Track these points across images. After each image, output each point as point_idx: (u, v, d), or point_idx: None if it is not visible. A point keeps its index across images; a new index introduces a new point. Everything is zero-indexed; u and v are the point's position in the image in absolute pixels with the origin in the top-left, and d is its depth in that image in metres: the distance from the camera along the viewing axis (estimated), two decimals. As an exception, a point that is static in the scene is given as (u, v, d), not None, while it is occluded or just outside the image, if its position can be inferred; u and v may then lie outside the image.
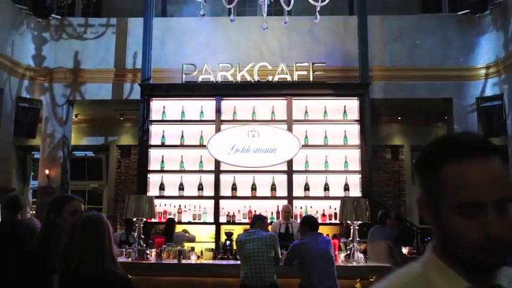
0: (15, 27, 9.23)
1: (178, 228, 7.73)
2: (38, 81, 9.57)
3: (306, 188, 8.13)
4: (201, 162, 8.29)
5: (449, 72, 9.13)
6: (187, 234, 7.69)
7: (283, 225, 7.05)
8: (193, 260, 5.71)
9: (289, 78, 8.37)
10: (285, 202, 8.04)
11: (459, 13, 9.45)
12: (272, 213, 7.99)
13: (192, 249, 6.13)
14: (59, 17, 9.85)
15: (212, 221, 8.11)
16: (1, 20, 8.86)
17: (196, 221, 8.12)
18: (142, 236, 5.91)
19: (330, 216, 7.94)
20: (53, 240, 2.56)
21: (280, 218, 7.40)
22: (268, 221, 5.74)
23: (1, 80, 8.86)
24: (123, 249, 5.78)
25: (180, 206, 8.16)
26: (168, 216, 7.90)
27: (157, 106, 8.56)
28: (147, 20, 8.85)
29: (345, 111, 8.34)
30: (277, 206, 8.06)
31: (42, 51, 9.57)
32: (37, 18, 9.46)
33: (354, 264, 5.45)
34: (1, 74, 8.85)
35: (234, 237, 5.90)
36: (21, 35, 9.39)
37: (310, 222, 5.14)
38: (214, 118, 8.40)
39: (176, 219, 7.91)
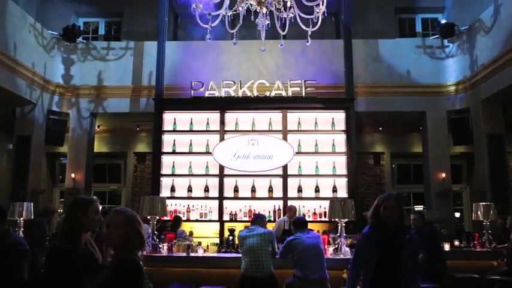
0: (47, 50, 9.28)
1: (187, 226, 7.66)
2: (66, 96, 9.57)
3: (299, 190, 8.08)
4: (207, 167, 8.24)
5: (423, 89, 9.14)
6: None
7: (287, 223, 6.94)
8: (200, 253, 5.65)
9: (284, 93, 8.35)
10: (281, 202, 8.00)
11: (431, 38, 9.49)
12: (269, 212, 7.93)
13: (199, 243, 6.07)
14: (84, 41, 9.89)
15: (217, 218, 8.05)
16: (35, 45, 8.93)
17: (203, 219, 8.06)
18: (156, 232, 5.87)
19: (320, 214, 7.88)
20: (75, 235, 2.54)
21: (286, 216, 7.24)
22: (266, 219, 5.67)
23: (35, 96, 8.90)
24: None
25: (188, 205, 8.10)
26: (177, 215, 7.83)
27: (169, 118, 8.53)
28: (161, 43, 8.87)
29: (333, 123, 8.31)
30: (274, 206, 8.03)
31: (70, 71, 9.58)
32: (66, 42, 9.51)
33: (341, 256, 5.40)
34: (35, 90, 8.89)
35: (236, 233, 5.84)
36: (52, 57, 9.42)
37: (299, 222, 5.14)
38: (218, 129, 8.36)
39: (185, 218, 7.86)
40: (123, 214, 2.32)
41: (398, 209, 3.13)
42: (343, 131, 8.27)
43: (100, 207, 2.72)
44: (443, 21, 9.19)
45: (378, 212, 3.19)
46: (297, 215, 7.03)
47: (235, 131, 8.37)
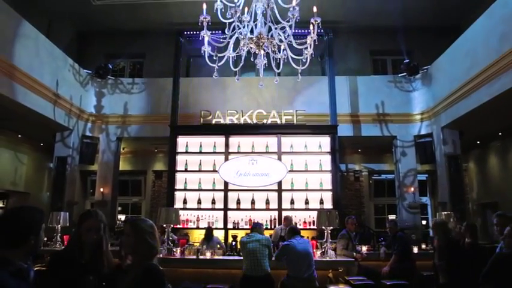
0: (83, 85, 9.39)
1: (196, 233, 7.57)
2: (97, 124, 9.61)
3: (292, 202, 8.04)
4: (213, 183, 8.22)
5: (394, 117, 9.20)
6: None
7: (283, 230, 6.82)
8: (208, 256, 5.58)
9: (278, 121, 8.40)
10: (276, 213, 7.95)
11: (399, 75, 9.60)
12: (267, 221, 7.88)
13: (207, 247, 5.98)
14: (113, 78, 9.99)
15: (222, 226, 7.99)
16: (73, 81, 9.05)
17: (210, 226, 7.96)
18: (171, 238, 5.79)
19: (310, 223, 7.82)
20: (74, 244, 2.43)
21: (282, 224, 7.08)
22: (264, 227, 5.60)
23: (72, 123, 8.97)
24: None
25: (198, 215, 8.05)
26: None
27: (182, 142, 8.55)
28: (176, 79, 8.98)
29: (320, 146, 8.33)
30: (270, 216, 7.97)
31: (101, 102, 9.65)
32: (98, 79, 9.61)
33: (327, 259, 5.34)
34: (72, 119, 8.96)
35: (238, 239, 5.76)
36: (87, 91, 9.51)
37: (293, 231, 5.10)
38: (223, 150, 8.38)
39: (195, 226, 7.77)
40: (131, 224, 2.20)
41: None
42: (328, 152, 8.28)
43: (123, 217, 2.66)
44: (407, 61, 9.32)
45: None
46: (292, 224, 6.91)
47: (238, 152, 8.38)
